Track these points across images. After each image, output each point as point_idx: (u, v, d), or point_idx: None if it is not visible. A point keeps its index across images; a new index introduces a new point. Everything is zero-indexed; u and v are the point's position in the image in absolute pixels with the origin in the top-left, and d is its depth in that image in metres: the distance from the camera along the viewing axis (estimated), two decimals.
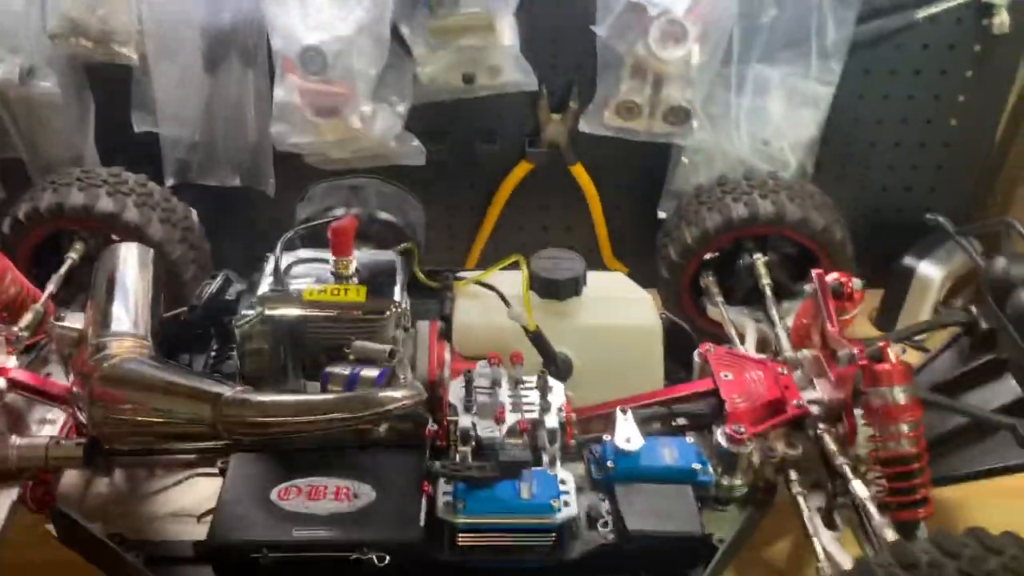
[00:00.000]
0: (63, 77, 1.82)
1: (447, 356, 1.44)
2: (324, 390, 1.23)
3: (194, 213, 1.93)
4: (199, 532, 1.25)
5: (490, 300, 1.56)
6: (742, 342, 1.73)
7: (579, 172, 1.99)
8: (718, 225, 1.75)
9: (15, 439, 1.32)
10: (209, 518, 1.23)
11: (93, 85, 1.88)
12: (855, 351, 1.30)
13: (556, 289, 1.52)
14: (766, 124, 1.88)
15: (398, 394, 1.15)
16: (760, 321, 1.79)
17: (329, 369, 1.24)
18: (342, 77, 1.70)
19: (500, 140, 1.97)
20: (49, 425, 1.42)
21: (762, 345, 1.77)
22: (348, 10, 1.69)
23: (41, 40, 1.76)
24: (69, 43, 1.75)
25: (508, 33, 1.76)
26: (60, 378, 1.49)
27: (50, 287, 1.61)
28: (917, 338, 1.62)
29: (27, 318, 1.51)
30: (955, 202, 2.06)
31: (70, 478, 1.40)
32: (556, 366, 1.48)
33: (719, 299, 1.78)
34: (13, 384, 1.37)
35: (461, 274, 1.62)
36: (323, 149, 1.85)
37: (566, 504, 1.21)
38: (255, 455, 1.30)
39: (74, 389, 1.30)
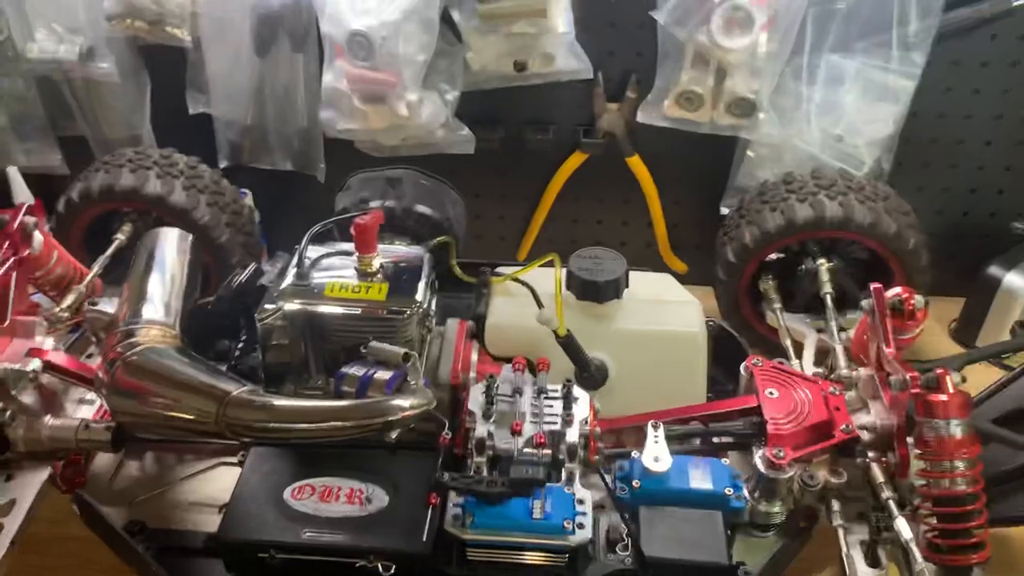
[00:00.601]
0: (120, 58, 1.83)
1: (474, 358, 1.40)
2: (337, 390, 1.20)
3: (248, 196, 1.93)
4: (218, 523, 1.24)
5: (527, 299, 1.49)
6: (799, 353, 1.63)
7: (636, 164, 1.90)
8: (780, 226, 1.64)
9: (49, 419, 1.34)
10: None
11: (149, 66, 1.90)
12: (908, 377, 1.19)
13: (595, 291, 1.45)
14: (839, 118, 1.75)
15: (405, 403, 1.10)
16: (821, 331, 1.68)
17: (344, 369, 1.21)
18: (388, 64, 1.66)
19: (553, 129, 1.90)
20: (87, 406, 1.44)
21: (820, 358, 1.67)
22: None
23: (100, 22, 1.78)
24: (126, 24, 1.76)
25: (562, 19, 1.68)
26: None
27: (95, 268, 1.63)
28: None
29: (70, 298, 1.53)
30: None
31: (103, 459, 1.42)
32: (589, 373, 1.41)
33: (777, 306, 1.67)
34: (49, 366, 1.38)
35: (499, 270, 1.56)
36: (372, 136, 1.81)
37: (580, 526, 1.15)
38: (273, 450, 1.29)
39: (98, 374, 1.30)
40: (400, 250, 1.39)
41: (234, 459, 1.38)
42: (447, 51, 1.74)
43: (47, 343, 1.42)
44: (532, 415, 1.25)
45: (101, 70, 1.82)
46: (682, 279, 1.61)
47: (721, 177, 1.90)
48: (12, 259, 1.41)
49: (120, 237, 1.72)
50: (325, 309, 1.27)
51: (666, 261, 2.02)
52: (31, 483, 1.32)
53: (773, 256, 1.73)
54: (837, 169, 1.73)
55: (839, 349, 1.48)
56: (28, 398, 1.33)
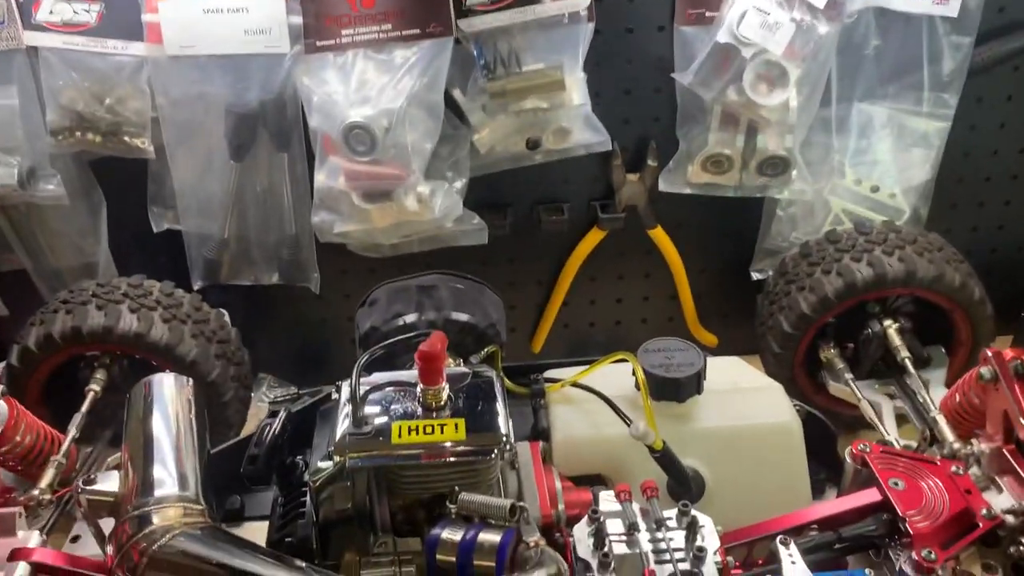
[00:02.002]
0: (69, 177, 1.59)
1: (558, 486, 1.20)
2: (431, 561, 0.99)
3: (225, 315, 1.69)
4: None
5: (592, 405, 1.32)
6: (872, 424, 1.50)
7: (659, 236, 1.75)
8: (839, 289, 1.51)
9: None
10: None
11: (103, 183, 1.65)
12: None
13: (675, 389, 1.28)
14: (873, 168, 1.66)
15: None
16: (895, 397, 1.55)
17: (435, 533, 0.99)
18: (394, 156, 1.48)
19: (568, 208, 1.74)
20: None
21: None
22: (396, 79, 1.46)
23: (41, 137, 1.53)
24: (74, 139, 1.53)
25: (577, 90, 1.54)
26: (90, 541, 1.24)
27: (72, 431, 1.37)
28: None
29: (48, 475, 1.28)
30: None
31: None
32: (691, 489, 1.23)
33: (849, 376, 1.54)
34: (38, 568, 1.11)
35: (550, 374, 1.38)
36: (372, 236, 1.61)
37: None
38: None
39: (116, 572, 1.05)
40: (461, 371, 1.19)
41: None
42: (450, 136, 1.57)
43: (32, 539, 1.15)
44: (655, 554, 1.06)
45: (46, 193, 1.57)
46: (712, 352, 1.46)
47: (748, 241, 1.78)
48: None
49: (94, 388, 1.46)
50: (395, 459, 1.05)
51: (695, 335, 1.88)
52: None
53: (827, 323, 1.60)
54: (879, 221, 1.63)
55: (942, 420, 1.35)
56: None
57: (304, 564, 0.98)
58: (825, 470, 1.40)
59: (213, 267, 1.66)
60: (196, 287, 1.66)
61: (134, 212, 1.65)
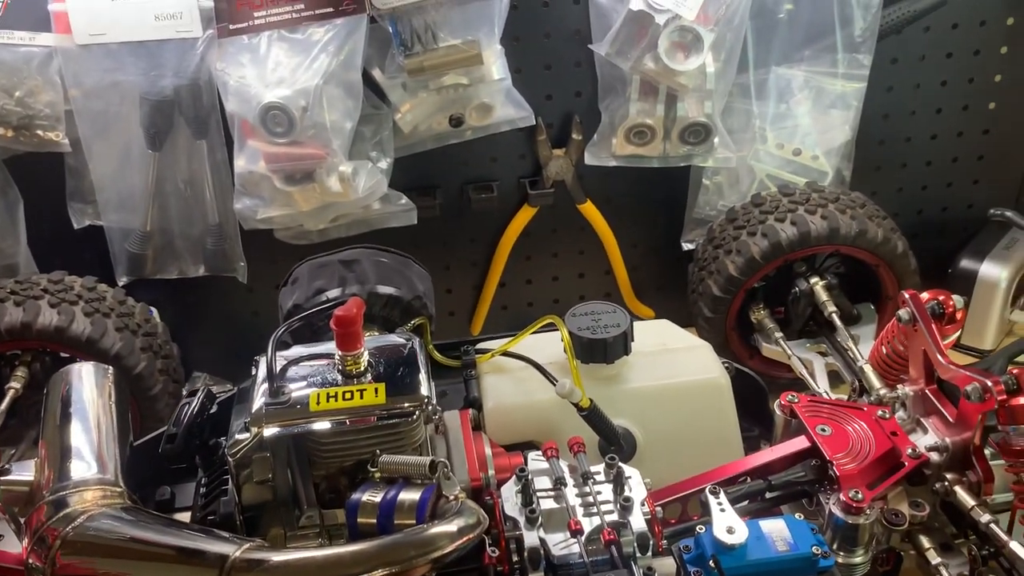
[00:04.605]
0: None
1: (488, 451, 1.19)
2: (352, 526, 0.97)
3: (155, 313, 1.66)
4: None
5: (523, 373, 1.32)
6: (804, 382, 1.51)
7: (589, 210, 1.75)
8: (764, 250, 1.53)
9: None
10: None
11: (18, 180, 1.60)
12: (989, 383, 1.07)
13: (603, 351, 1.28)
14: (794, 132, 1.68)
15: (453, 527, 0.89)
16: (826, 355, 1.57)
17: (356, 497, 0.98)
18: (314, 136, 1.46)
19: (497, 186, 1.73)
20: None
21: (832, 382, 1.56)
22: (311, 58, 1.45)
23: None
24: None
25: (496, 64, 1.53)
26: (11, 540, 1.20)
27: None
28: None
29: None
30: (1002, 192, 1.86)
31: None
32: (619, 445, 1.23)
33: (779, 335, 1.55)
34: None
35: (482, 346, 1.37)
36: (297, 221, 1.59)
37: None
38: None
39: (29, 561, 1.01)
40: (381, 340, 1.18)
41: None
42: (372, 116, 1.56)
43: None
44: (583, 507, 1.05)
45: None
46: None
47: (677, 212, 1.78)
48: None
49: (15, 386, 1.42)
50: (316, 427, 1.04)
51: (631, 308, 1.88)
52: None
53: (755, 285, 1.61)
54: (803, 183, 1.65)
55: (868, 369, 1.36)
56: None
57: (229, 534, 0.96)
58: (758, 427, 1.41)
59: (138, 262, 1.62)
60: (121, 283, 1.63)
61: (53, 209, 1.60)
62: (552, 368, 1.28)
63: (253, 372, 1.15)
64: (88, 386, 1.22)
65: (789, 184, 1.66)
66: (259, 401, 1.06)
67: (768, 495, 1.21)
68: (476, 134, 1.61)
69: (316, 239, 1.64)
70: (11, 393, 1.42)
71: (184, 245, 1.63)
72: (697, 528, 1.10)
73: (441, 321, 1.84)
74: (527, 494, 1.05)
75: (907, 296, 1.23)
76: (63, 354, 1.48)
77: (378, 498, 0.97)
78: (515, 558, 1.02)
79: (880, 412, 1.24)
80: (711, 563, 1.05)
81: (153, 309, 1.67)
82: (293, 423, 1.04)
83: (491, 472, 1.16)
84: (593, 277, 1.88)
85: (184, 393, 1.39)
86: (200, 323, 1.79)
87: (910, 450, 1.18)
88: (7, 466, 1.18)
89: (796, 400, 1.27)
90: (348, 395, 1.06)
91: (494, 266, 1.81)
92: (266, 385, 1.08)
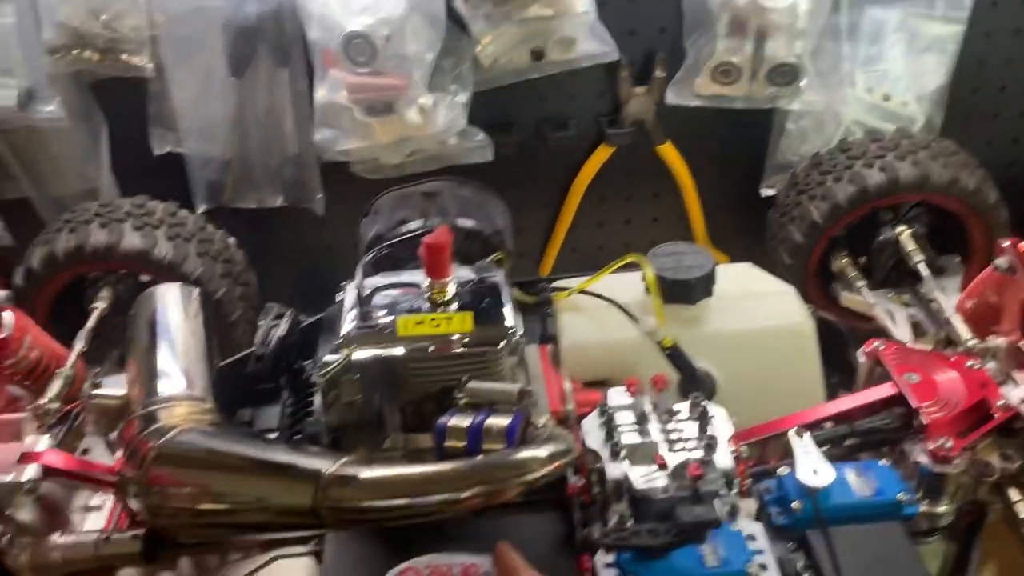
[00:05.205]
0: (68, 98, 1.56)
1: (567, 386, 1.19)
2: (440, 448, 0.98)
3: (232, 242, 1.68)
4: None
5: (600, 312, 1.31)
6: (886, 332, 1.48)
7: (668, 152, 1.72)
8: (851, 196, 1.49)
9: (57, 537, 1.07)
10: None
11: (103, 104, 1.62)
12: None
13: (686, 291, 1.26)
14: (885, 76, 1.62)
15: (543, 452, 0.89)
16: (909, 306, 1.53)
17: (444, 420, 0.98)
18: (395, 66, 1.45)
19: (574, 124, 1.71)
20: (95, 513, 1.18)
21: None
22: None
23: (39, 57, 1.51)
24: (72, 57, 1.50)
25: None
26: (100, 453, 1.24)
27: (78, 345, 1.36)
28: None
29: (55, 386, 1.26)
30: None
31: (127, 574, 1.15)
32: (701, 386, 1.22)
33: (861, 283, 1.51)
34: (49, 471, 1.11)
35: (559, 284, 1.36)
36: (374, 154, 1.59)
37: (764, 567, 0.95)
38: (354, 532, 1.05)
39: (123, 472, 1.04)
40: (466, 272, 1.17)
41: (295, 549, 1.13)
42: (453, 48, 1.54)
43: (41, 442, 1.14)
44: (666, 443, 1.05)
45: (46, 115, 1.54)
46: None
47: (757, 157, 1.74)
48: None
49: (100, 305, 1.45)
50: (402, 352, 1.04)
51: None
52: None
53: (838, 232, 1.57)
54: (893, 130, 1.59)
55: (957, 320, 1.32)
56: (27, 514, 1.06)
57: (319, 448, 0.97)
58: (837, 374, 1.39)
59: (216, 190, 1.64)
60: (199, 211, 1.65)
61: (135, 135, 1.62)
62: (629, 307, 1.27)
63: (338, 298, 1.16)
64: (175, 306, 1.24)
65: (877, 130, 1.60)
66: (349, 325, 1.07)
67: (847, 442, 1.20)
68: (556, 69, 1.58)
69: (391, 173, 1.63)
70: (96, 313, 1.44)
71: (263, 175, 1.64)
72: (779, 470, 1.09)
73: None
74: (610, 428, 1.05)
75: (1007, 245, 1.19)
76: (144, 277, 1.51)
77: (466, 423, 0.97)
78: (595, 490, 1.03)
79: (970, 363, 1.21)
80: (794, 505, 1.04)
81: (232, 239, 1.69)
82: (381, 347, 1.04)
83: (571, 406, 1.16)
84: (667, 221, 1.86)
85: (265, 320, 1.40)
86: (273, 254, 1.80)
87: (1001, 402, 1.14)
88: (98, 380, 1.21)
89: (882, 347, 1.25)
90: (435, 322, 1.07)
91: (566, 207, 1.79)
92: (355, 310, 1.08)
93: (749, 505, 1.07)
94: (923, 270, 1.45)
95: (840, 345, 1.39)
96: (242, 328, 1.54)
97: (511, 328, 1.07)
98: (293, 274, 1.84)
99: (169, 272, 1.46)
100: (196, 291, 1.27)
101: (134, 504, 1.01)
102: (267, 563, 1.13)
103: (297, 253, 1.82)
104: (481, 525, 1.03)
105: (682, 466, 1.01)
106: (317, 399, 1.14)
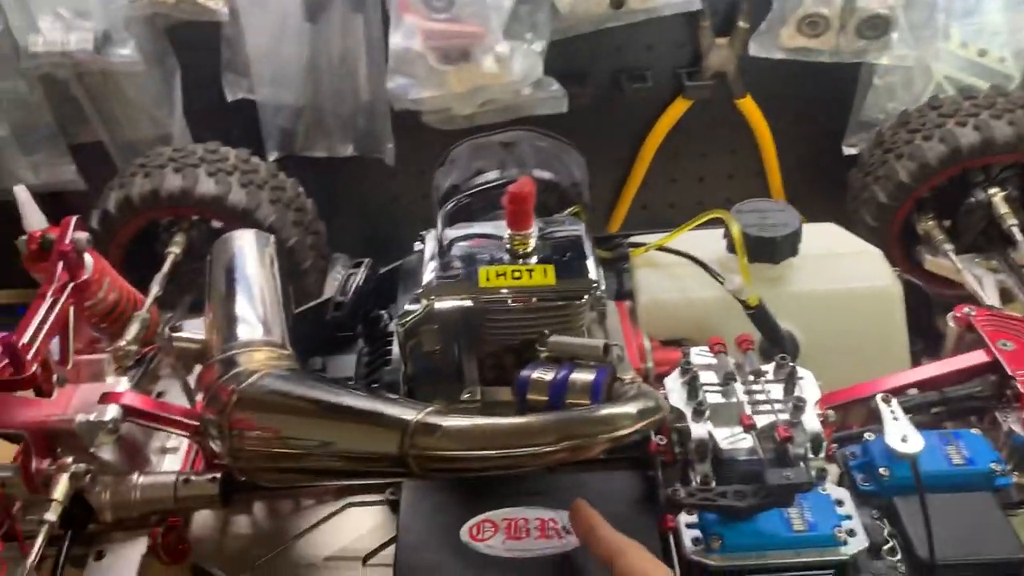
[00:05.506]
0: (143, 42, 1.56)
1: (647, 343, 1.16)
2: (521, 401, 0.96)
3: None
4: None
5: (679, 269, 1.27)
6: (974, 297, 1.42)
7: (748, 106, 1.67)
8: (942, 155, 1.42)
9: (136, 477, 1.09)
10: (376, 560, 0.99)
11: (177, 49, 1.62)
12: None
13: (771, 250, 1.22)
14: (982, 30, 1.54)
15: (633, 409, 0.86)
16: (998, 272, 1.47)
17: (526, 373, 0.97)
18: (472, 13, 1.42)
19: (651, 75, 1.66)
20: (171, 455, 1.19)
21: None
22: None
23: (116, 0, 1.50)
24: (148, 1, 1.49)
25: None
26: (175, 396, 1.26)
27: (154, 288, 1.37)
28: None
29: (133, 329, 1.27)
30: None
31: (203, 518, 1.16)
32: (785, 347, 1.19)
33: (949, 247, 1.46)
34: (129, 412, 1.12)
35: (636, 239, 1.33)
36: (447, 104, 1.56)
37: (852, 533, 0.92)
38: (430, 482, 1.05)
39: (204, 415, 1.05)
40: (548, 223, 1.15)
41: (370, 497, 1.13)
42: None
43: (121, 383, 1.16)
44: (751, 405, 1.02)
45: (121, 58, 1.54)
46: None
47: (840, 113, 1.68)
48: (70, 286, 1.15)
49: (174, 250, 1.46)
50: (484, 303, 1.02)
51: None
52: (129, 559, 1.06)
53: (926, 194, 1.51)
54: (987, 87, 1.52)
55: None
56: (109, 454, 1.08)
57: (397, 396, 0.97)
58: (921, 340, 1.34)
59: (288, 138, 1.63)
60: (271, 158, 1.64)
61: (208, 81, 1.62)
62: (724, 269, 1.23)
63: (417, 247, 1.15)
64: (252, 252, 1.23)
65: (970, 87, 1.53)
66: (429, 274, 1.05)
67: (934, 410, 1.16)
68: (636, 18, 1.53)
69: (462, 124, 1.61)
70: (171, 257, 1.45)
71: (335, 123, 1.63)
72: (866, 435, 1.06)
73: None
74: (694, 387, 1.03)
75: None
76: (216, 224, 1.51)
77: (549, 376, 0.95)
78: (677, 449, 1.01)
79: None
80: (881, 471, 1.01)
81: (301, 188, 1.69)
82: (462, 297, 1.03)
83: (650, 364, 1.14)
84: (742, 179, 1.81)
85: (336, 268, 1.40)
86: (341, 204, 1.80)
87: None
88: (179, 324, 1.22)
89: (973, 313, 1.20)
90: (517, 274, 1.05)
91: (640, 162, 1.75)
92: (435, 260, 1.07)
93: (832, 471, 1.05)
94: (1017, 234, 1.39)
95: (925, 310, 1.34)
96: (312, 276, 1.54)
97: (594, 282, 1.04)
98: (358, 224, 1.84)
99: (243, 219, 1.46)
100: (272, 238, 1.27)
101: (216, 447, 1.01)
102: (340, 510, 1.14)
103: (363, 203, 1.81)
104: (558, 480, 1.02)
105: (770, 428, 0.98)
106: (394, 348, 1.13)
